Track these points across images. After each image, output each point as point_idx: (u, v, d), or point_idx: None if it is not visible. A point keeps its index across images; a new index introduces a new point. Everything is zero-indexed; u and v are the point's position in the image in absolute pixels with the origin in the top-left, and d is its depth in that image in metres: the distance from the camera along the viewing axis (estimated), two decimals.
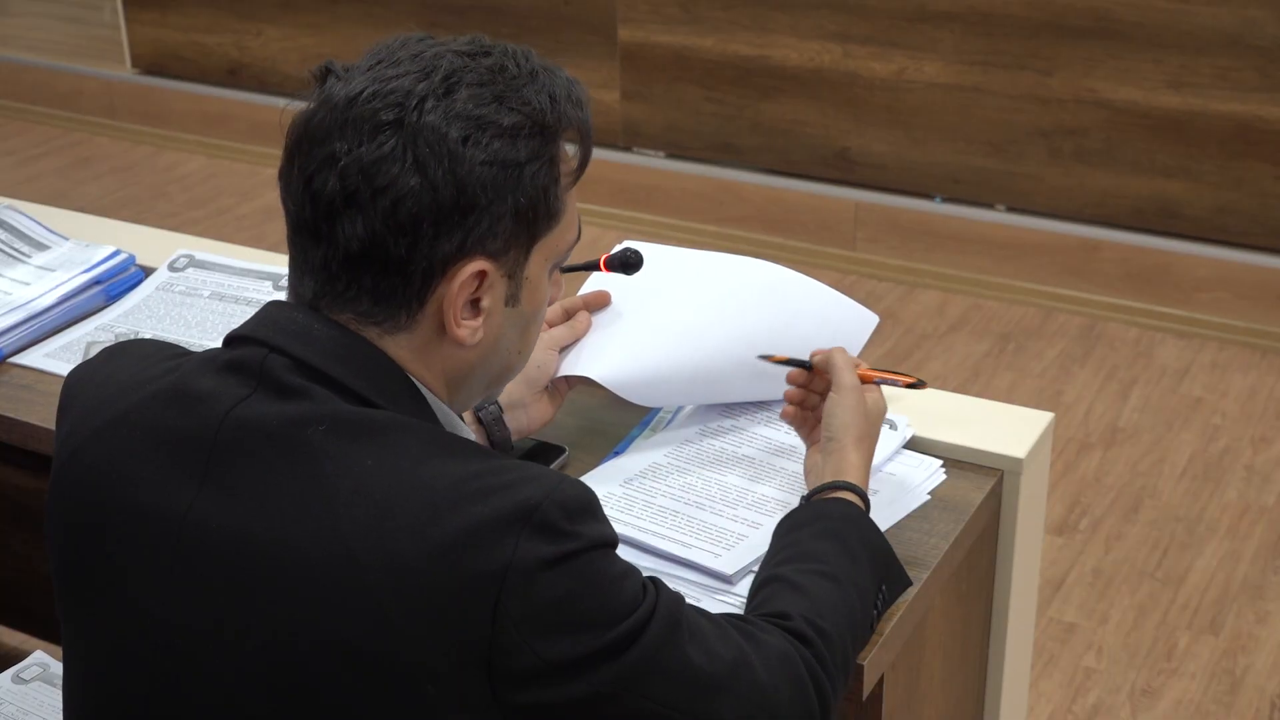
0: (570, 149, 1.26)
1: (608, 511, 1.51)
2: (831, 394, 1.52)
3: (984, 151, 4.11)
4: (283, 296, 1.28)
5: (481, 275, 1.20)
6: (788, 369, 1.60)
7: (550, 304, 1.34)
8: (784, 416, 1.60)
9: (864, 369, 1.55)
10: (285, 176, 1.21)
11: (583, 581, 1.12)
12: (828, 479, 1.48)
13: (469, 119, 1.17)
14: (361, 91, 1.18)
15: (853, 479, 1.47)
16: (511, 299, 1.24)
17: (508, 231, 1.20)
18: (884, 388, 1.56)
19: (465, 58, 1.21)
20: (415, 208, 1.16)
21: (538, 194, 1.21)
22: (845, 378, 1.52)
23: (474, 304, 1.22)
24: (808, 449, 1.57)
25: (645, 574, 1.20)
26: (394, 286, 1.19)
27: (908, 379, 1.57)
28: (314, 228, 1.19)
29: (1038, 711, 2.68)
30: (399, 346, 1.21)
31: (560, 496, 1.12)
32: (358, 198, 1.16)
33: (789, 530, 1.43)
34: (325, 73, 1.22)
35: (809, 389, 1.59)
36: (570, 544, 1.12)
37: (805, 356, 1.59)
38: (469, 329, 1.22)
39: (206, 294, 2.07)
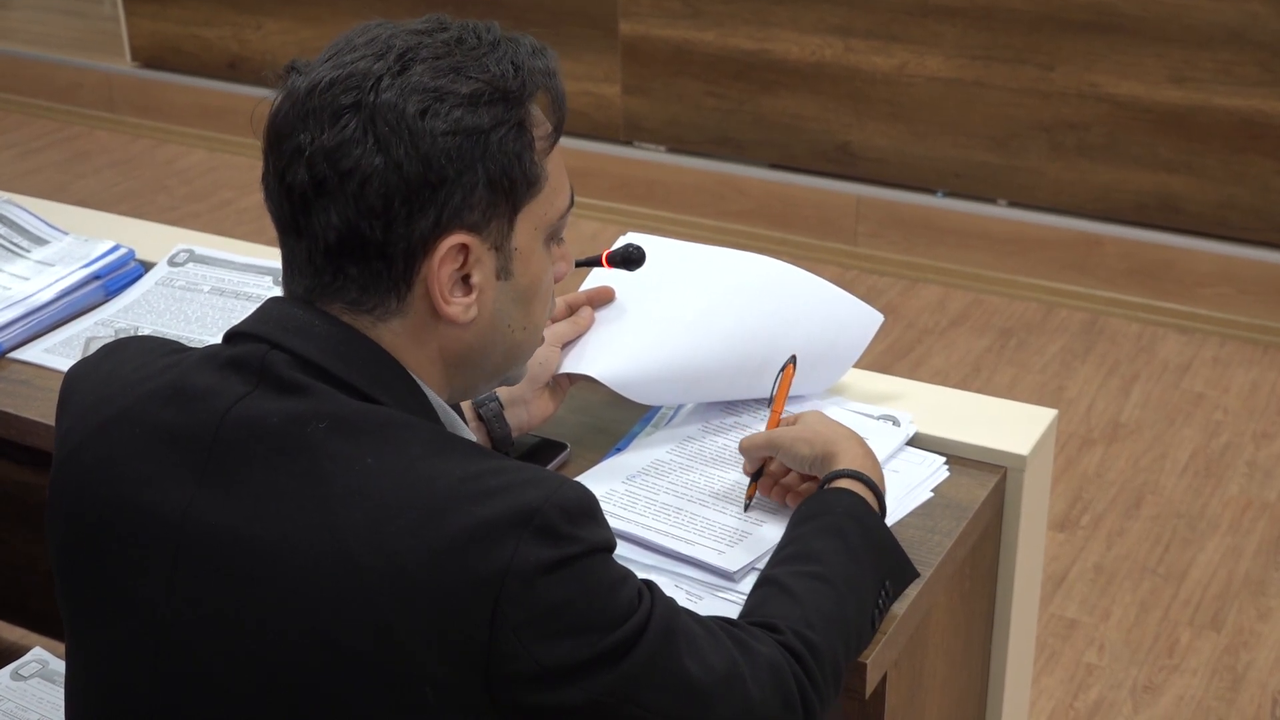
0: (542, 113, 1.23)
1: (610, 508, 1.51)
2: (780, 453, 1.52)
3: (986, 146, 4.10)
4: (281, 292, 1.27)
5: (463, 249, 1.18)
6: (784, 361, 1.60)
7: (558, 280, 1.32)
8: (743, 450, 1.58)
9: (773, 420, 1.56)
10: (265, 179, 1.21)
11: (581, 586, 1.12)
12: (829, 468, 1.47)
13: (425, 91, 1.16)
14: (320, 80, 1.18)
15: (856, 466, 1.46)
16: (503, 272, 1.22)
17: (484, 202, 1.18)
18: (888, 380, 1.55)
19: (421, 35, 1.20)
20: (383, 188, 1.15)
21: (509, 161, 1.19)
22: (772, 437, 1.52)
23: (465, 280, 1.20)
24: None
25: (647, 572, 1.20)
26: (378, 272, 1.18)
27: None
28: (294, 224, 1.19)
29: (1039, 708, 2.68)
30: (393, 333, 1.20)
31: (560, 499, 1.11)
32: (326, 185, 1.16)
33: (799, 522, 1.42)
34: (289, 70, 1.21)
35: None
36: (570, 548, 1.11)
37: (808, 354, 1.59)
38: (460, 306, 1.20)
39: (207, 289, 2.06)
